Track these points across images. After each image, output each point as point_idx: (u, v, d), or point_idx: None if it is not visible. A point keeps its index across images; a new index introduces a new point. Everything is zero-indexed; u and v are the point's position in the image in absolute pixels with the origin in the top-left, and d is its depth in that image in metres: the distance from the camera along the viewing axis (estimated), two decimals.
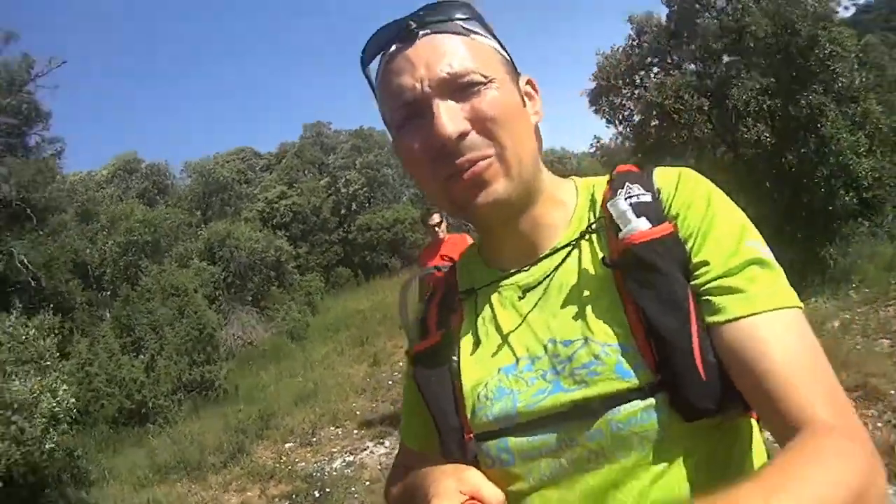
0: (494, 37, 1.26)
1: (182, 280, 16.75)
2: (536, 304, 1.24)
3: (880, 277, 10.46)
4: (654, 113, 15.25)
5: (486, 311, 1.31)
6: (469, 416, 1.24)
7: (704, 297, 1.08)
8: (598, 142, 19.39)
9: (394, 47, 1.21)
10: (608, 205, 1.18)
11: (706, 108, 14.57)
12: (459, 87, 1.16)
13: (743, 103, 13.84)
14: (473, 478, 1.10)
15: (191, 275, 18.29)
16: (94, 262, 18.32)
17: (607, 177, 1.31)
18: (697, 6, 15.01)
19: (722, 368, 1.04)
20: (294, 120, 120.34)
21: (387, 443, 9.46)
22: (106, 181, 27.61)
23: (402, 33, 1.19)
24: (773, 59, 13.75)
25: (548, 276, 1.24)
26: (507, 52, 1.27)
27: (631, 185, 1.21)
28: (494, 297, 1.30)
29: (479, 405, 1.22)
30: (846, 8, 24.70)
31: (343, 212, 37.49)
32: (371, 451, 9.17)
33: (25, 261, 15.21)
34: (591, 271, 1.19)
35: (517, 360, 1.22)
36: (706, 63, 15.45)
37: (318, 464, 9.32)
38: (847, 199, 13.07)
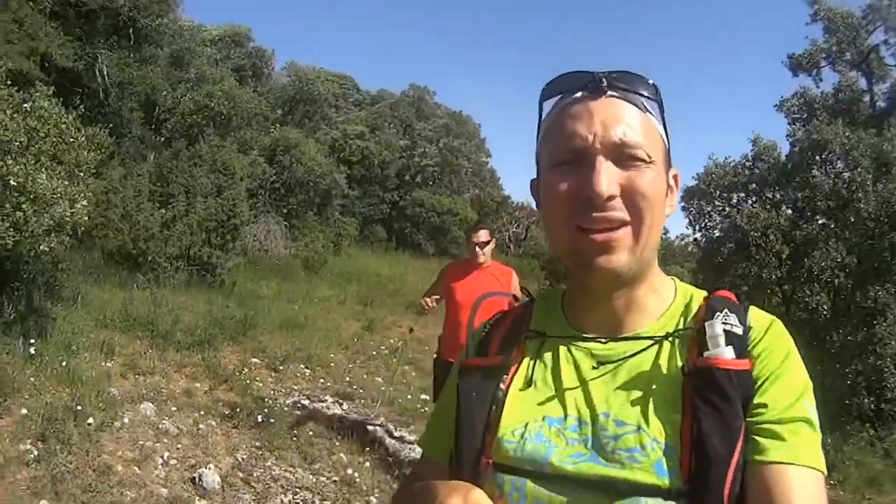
0: (664, 123, 1.35)
1: (235, 163, 16.77)
2: (603, 377, 1.30)
3: (859, 487, 10.41)
4: (735, 238, 15.12)
5: (550, 359, 1.37)
6: (495, 444, 1.30)
7: (754, 435, 1.16)
8: (665, 234, 19.32)
9: (579, 94, 1.30)
10: (706, 323, 1.25)
11: (784, 256, 14.41)
12: (624, 157, 1.24)
13: (819, 269, 13.71)
14: (479, 499, 1.12)
15: (245, 163, 18.31)
16: (164, 106, 18.36)
17: (704, 292, 1.38)
18: (818, 158, 14.85)
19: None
20: (405, 73, 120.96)
21: (345, 405, 9.43)
22: (211, 41, 27.69)
23: (591, 85, 1.29)
24: (864, 241, 13.59)
25: (625, 357, 1.30)
26: (668, 140, 1.36)
27: (729, 314, 1.27)
28: (562, 351, 1.37)
29: (511, 440, 1.28)
30: None
31: (407, 178, 37.59)
32: (327, 406, 9.14)
33: (105, 72, 15.29)
34: (665, 371, 1.27)
35: (565, 416, 1.28)
36: (802, 215, 15.29)
37: (274, 392, 9.33)
38: (866, 401, 12.96)
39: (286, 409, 8.73)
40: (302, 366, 10.88)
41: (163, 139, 18.33)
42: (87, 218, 8.12)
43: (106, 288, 11.90)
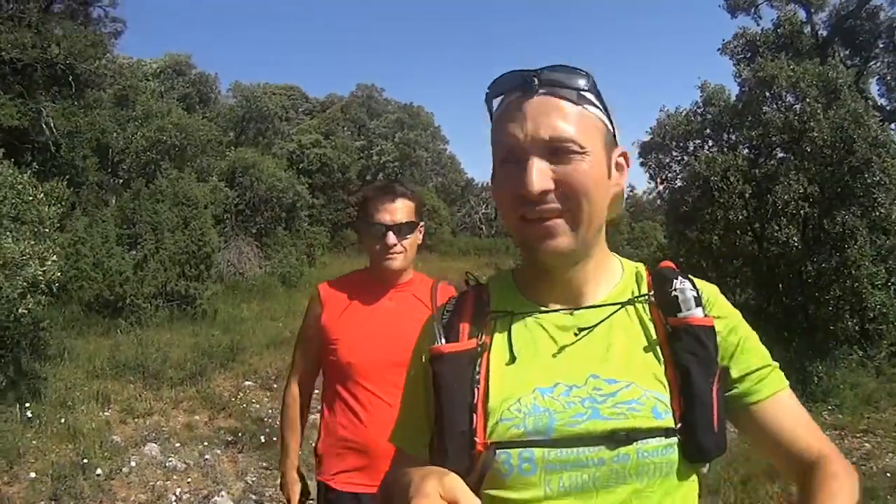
0: (605, 108, 1.44)
1: (196, 193, 16.74)
2: (579, 343, 1.44)
3: (856, 408, 10.54)
4: (697, 184, 15.26)
5: (523, 334, 1.47)
6: (490, 425, 1.37)
7: (744, 384, 1.47)
8: (631, 191, 19.40)
9: (514, 95, 1.40)
10: (678, 288, 1.48)
11: (748, 195, 14.57)
12: (555, 151, 1.35)
13: (783, 202, 13.87)
14: (454, 484, 1.13)
15: (206, 190, 18.29)
16: (117, 148, 18.24)
17: (642, 265, 1.61)
18: (768, 95, 15.00)
19: (722, 425, 1.40)
20: (350, 74, 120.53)
21: None
22: (153, 75, 27.55)
23: (524, 85, 1.39)
24: (823, 169, 13.75)
25: (598, 322, 1.45)
26: (612, 123, 1.46)
27: (683, 280, 1.50)
28: (532, 325, 1.48)
29: (508, 416, 1.36)
30: None
31: (368, 177, 37.62)
32: None
33: (52, 124, 15.21)
34: (640, 332, 1.46)
35: (555, 384, 1.39)
36: (760, 152, 15.45)
37: (273, 411, 9.36)
38: (850, 323, 13.20)
39: None
40: None
41: (121, 181, 18.25)
42: (59, 274, 8.11)
43: (90, 338, 11.88)
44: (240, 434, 8.36)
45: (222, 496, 6.82)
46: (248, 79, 47.50)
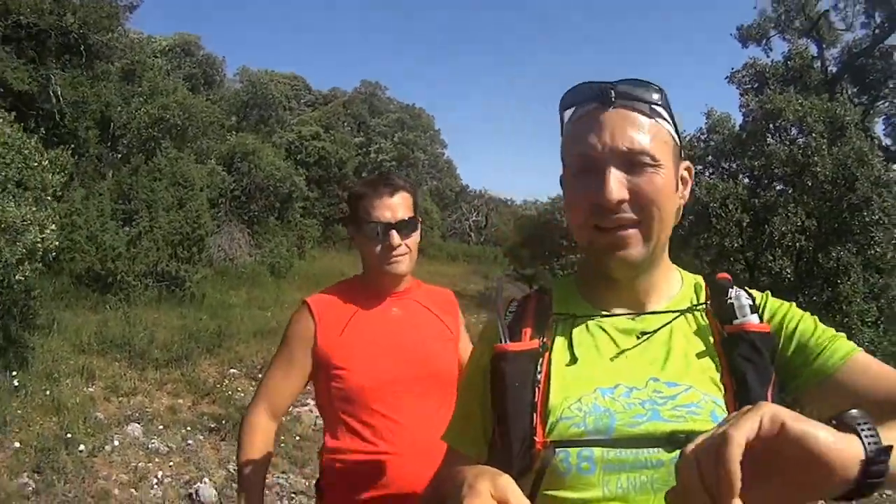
0: (674, 121, 1.48)
1: (194, 174, 16.68)
2: (640, 346, 1.47)
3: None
4: (696, 209, 15.34)
5: (585, 336, 1.50)
6: (550, 423, 1.38)
7: (812, 364, 1.42)
8: None
9: (591, 105, 1.44)
10: (733, 297, 1.50)
11: (745, 224, 14.64)
12: (632, 163, 1.38)
13: (780, 234, 13.95)
14: (506, 484, 1.14)
15: (204, 173, 18.21)
16: (119, 122, 18.13)
17: (700, 276, 1.64)
18: (773, 127, 15.09)
19: None
20: (355, 70, 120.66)
21: None
22: (161, 52, 27.45)
23: (601, 97, 1.42)
24: (822, 204, 13.85)
25: (659, 328, 1.48)
26: (679, 137, 1.51)
27: (739, 290, 1.52)
28: (594, 328, 1.51)
29: (568, 415, 1.37)
30: None
31: (364, 175, 37.50)
32: (311, 409, 9.17)
33: (59, 92, 15.15)
34: (698, 338, 1.48)
35: (616, 385, 1.40)
36: (760, 183, 15.54)
37: None
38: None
39: None
40: None
41: (120, 156, 18.12)
42: (56, 243, 8.07)
43: (79, 312, 11.83)
44: (223, 421, 8.32)
45: (205, 483, 6.78)
46: (254, 64, 47.44)
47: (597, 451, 1.33)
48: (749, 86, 19.79)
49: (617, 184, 1.36)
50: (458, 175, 48.80)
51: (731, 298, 1.50)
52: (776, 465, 0.99)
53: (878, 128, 23.25)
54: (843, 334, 1.47)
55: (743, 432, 0.95)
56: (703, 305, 1.53)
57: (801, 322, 1.48)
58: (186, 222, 15.23)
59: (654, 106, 1.44)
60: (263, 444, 2.61)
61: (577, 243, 1.52)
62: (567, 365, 1.45)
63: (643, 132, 1.40)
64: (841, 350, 1.42)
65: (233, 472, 7.18)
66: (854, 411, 1.01)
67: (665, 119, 1.46)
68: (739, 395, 1.38)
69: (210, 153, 20.88)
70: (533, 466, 1.36)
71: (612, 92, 1.41)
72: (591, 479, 1.33)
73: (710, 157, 16.61)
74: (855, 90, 22.07)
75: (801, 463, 0.96)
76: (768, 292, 1.57)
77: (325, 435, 2.68)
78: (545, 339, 1.49)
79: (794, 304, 1.54)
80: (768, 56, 21.50)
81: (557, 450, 1.34)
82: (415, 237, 2.73)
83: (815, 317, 1.51)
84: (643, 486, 1.32)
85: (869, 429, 0.99)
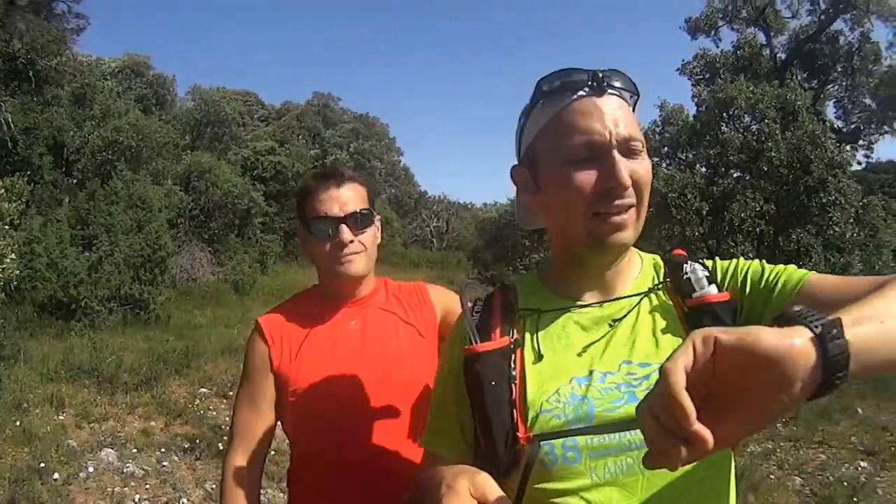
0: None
1: (151, 196, 16.54)
2: (608, 333, 1.49)
3: (811, 421, 10.71)
4: (655, 201, 15.47)
5: (554, 329, 1.51)
6: (530, 418, 1.39)
7: (767, 297, 1.43)
8: None
9: (583, 92, 1.44)
10: (689, 271, 1.52)
11: (704, 212, 14.78)
12: (629, 149, 1.42)
13: (739, 220, 14.11)
14: (485, 482, 1.18)
15: (161, 193, 18.07)
16: (73, 147, 17.96)
17: (658, 255, 1.67)
18: (726, 115, 15.27)
19: None
20: (306, 82, 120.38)
21: None
22: (111, 74, 27.26)
23: (594, 83, 1.44)
24: (779, 188, 14.03)
25: (627, 313, 1.50)
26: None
27: (693, 263, 1.55)
28: (562, 320, 1.52)
29: (548, 408, 1.39)
30: (859, 163, 25.27)
31: (371, 188, 37.51)
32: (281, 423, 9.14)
33: (10, 119, 14.97)
34: (662, 316, 1.51)
35: (590, 372, 1.43)
36: (717, 171, 15.71)
37: (229, 418, 9.24)
38: None
39: None
40: None
41: (75, 181, 17.95)
42: (17, 272, 7.97)
43: (44, 340, 11.68)
44: (197, 441, 8.24)
45: (183, 503, 6.72)
46: (205, 82, 47.16)
47: (580, 440, 1.35)
48: (700, 76, 20.07)
49: (625, 169, 1.39)
50: (416, 182, 48.88)
51: (687, 273, 1.53)
52: (732, 389, 0.96)
53: (830, 111, 23.74)
54: (792, 265, 1.51)
55: (678, 362, 0.95)
56: (663, 283, 1.57)
57: (751, 268, 1.52)
58: (147, 244, 15.08)
59: (631, 97, 1.50)
60: (245, 495, 2.30)
61: (565, 235, 1.52)
62: (539, 358, 1.47)
63: (632, 119, 1.45)
64: (795, 276, 1.44)
65: (210, 490, 7.13)
66: (794, 307, 1.00)
67: (633, 106, 1.51)
68: None
69: (166, 173, 20.74)
70: (519, 462, 1.37)
71: (604, 79, 1.44)
72: (578, 467, 1.35)
73: (665, 149, 16.76)
74: (805, 75, 22.47)
75: (755, 373, 0.93)
76: (717, 258, 1.61)
77: (289, 479, 2.45)
78: (515, 336, 1.50)
79: (741, 257, 1.58)
80: (718, 46, 21.86)
81: (542, 443, 1.36)
82: (370, 233, 2.39)
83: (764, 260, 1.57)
84: (630, 468, 1.34)
85: (810, 312, 0.97)
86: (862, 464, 9.17)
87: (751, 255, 14.05)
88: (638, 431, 1.25)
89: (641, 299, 1.53)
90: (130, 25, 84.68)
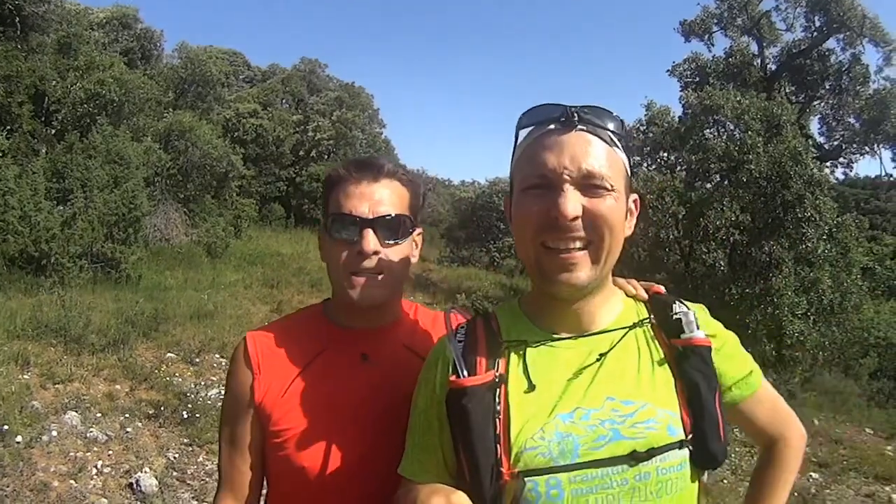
0: (627, 153, 1.52)
1: (130, 152, 16.35)
2: (593, 367, 1.49)
3: None
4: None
5: (539, 363, 1.50)
6: (514, 454, 1.40)
7: (736, 386, 1.65)
8: None
9: (552, 126, 1.46)
10: (681, 313, 1.57)
11: (681, 216, 14.87)
12: (588, 185, 1.41)
13: (714, 227, 14.21)
14: (461, 500, 1.22)
15: (140, 151, 17.85)
16: (54, 97, 17.72)
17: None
18: (711, 121, 15.34)
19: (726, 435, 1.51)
20: (295, 46, 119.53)
21: None
22: (98, 24, 26.86)
23: (563, 119, 1.45)
24: (757, 199, 14.13)
25: (613, 347, 1.51)
26: (630, 168, 1.54)
27: (681, 304, 1.61)
28: (546, 353, 1.52)
29: (533, 444, 1.39)
30: (837, 178, 25.49)
31: (302, 153, 37.26)
32: None
33: None
34: (647, 353, 1.54)
35: (574, 409, 1.44)
36: (697, 176, 15.79)
37: (195, 386, 9.24)
38: (767, 348, 13.65)
39: (209, 401, 8.62)
40: (217, 355, 10.76)
41: (54, 132, 17.72)
42: None
43: (11, 295, 11.56)
44: (161, 407, 8.21)
45: (145, 472, 6.71)
46: (193, 39, 46.64)
47: (563, 477, 1.36)
48: (690, 80, 20.12)
49: (573, 200, 1.39)
50: (397, 155, 48.62)
51: (677, 314, 1.57)
52: None
53: (814, 126, 23.92)
54: (755, 367, 1.71)
55: None
56: (647, 320, 1.60)
57: (733, 354, 1.66)
58: (122, 202, 14.91)
59: (612, 135, 1.47)
60: None
61: (527, 265, 1.54)
62: (525, 393, 1.46)
63: (602, 158, 1.43)
64: (753, 385, 1.68)
65: (173, 459, 7.14)
66: None
67: (621, 149, 1.49)
68: (692, 404, 1.48)
69: (146, 130, 20.47)
70: (502, 498, 1.38)
71: (576, 115, 1.44)
72: None
73: (647, 149, 16.83)
74: (792, 89, 22.64)
75: None
76: (702, 306, 1.67)
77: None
78: (500, 369, 1.49)
79: (720, 325, 1.67)
80: (710, 51, 21.92)
81: (526, 479, 1.37)
82: (404, 248, 1.89)
83: (737, 338, 1.70)
84: None
85: None
86: (814, 475, 9.39)
87: (723, 263, 14.25)
88: (621, 468, 1.37)
89: (626, 334, 1.55)
90: None
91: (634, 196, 1.57)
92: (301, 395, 1.84)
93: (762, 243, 13.98)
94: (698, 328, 1.56)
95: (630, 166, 1.54)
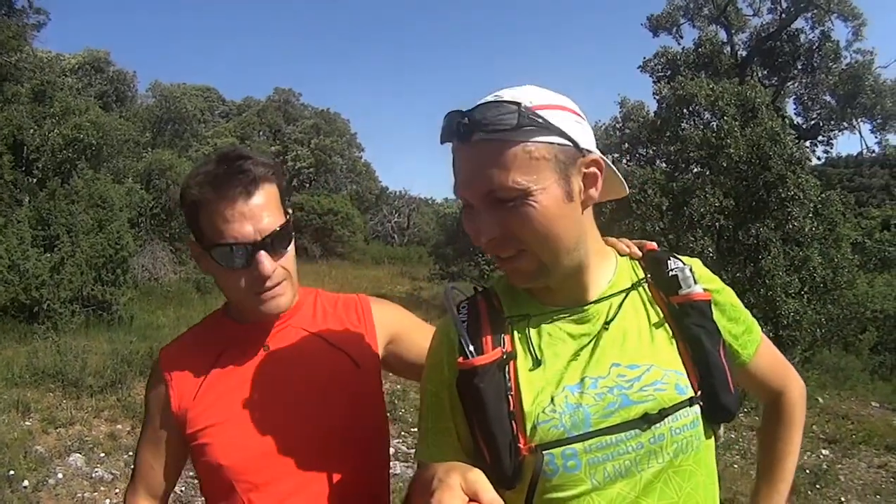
0: (551, 127, 1.37)
1: (112, 194, 16.31)
2: (597, 335, 1.51)
3: None
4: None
5: (543, 336, 1.52)
6: (528, 428, 1.42)
7: (734, 343, 1.68)
8: None
9: (454, 142, 1.41)
10: (677, 269, 1.58)
11: (664, 207, 14.91)
12: (498, 200, 1.36)
13: (699, 215, 14.24)
14: (477, 478, 1.20)
15: (122, 192, 17.82)
16: (33, 145, 17.69)
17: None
18: (686, 112, 15.42)
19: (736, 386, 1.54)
20: (267, 78, 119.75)
21: None
22: (71, 70, 26.92)
23: (458, 133, 1.37)
24: (739, 184, 14.18)
25: (613, 316, 1.53)
26: (568, 137, 1.39)
27: (676, 260, 1.61)
28: (549, 326, 1.53)
29: (546, 418, 1.41)
30: (818, 158, 25.68)
31: (283, 184, 37.33)
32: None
33: None
34: (647, 313, 1.56)
35: (582, 379, 1.45)
36: (677, 166, 15.86)
37: None
38: (763, 330, 13.66)
39: None
40: None
41: (35, 180, 17.69)
42: None
43: (7, 344, 11.55)
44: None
45: None
46: (165, 78, 46.69)
47: (579, 447, 1.38)
48: (662, 73, 20.27)
49: (485, 225, 1.38)
50: (377, 177, 48.78)
51: (673, 270, 1.59)
52: None
53: (790, 107, 24.13)
54: (753, 322, 1.75)
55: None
56: (644, 280, 1.62)
57: (731, 305, 1.69)
58: (108, 244, 14.83)
59: (515, 129, 1.33)
60: None
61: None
62: (532, 368, 1.47)
63: (504, 166, 1.33)
64: (754, 342, 1.74)
65: (179, 493, 7.11)
66: None
67: (535, 132, 1.35)
68: (698, 360, 1.50)
69: (127, 171, 20.39)
70: (522, 473, 1.39)
71: (467, 124, 1.34)
72: (578, 474, 1.38)
73: (626, 145, 16.91)
74: (765, 72, 22.90)
75: None
76: (697, 260, 1.68)
77: None
78: (506, 346, 1.49)
79: (717, 278, 1.68)
80: (679, 44, 22.11)
81: (542, 453, 1.37)
82: (291, 252, 1.86)
83: (734, 293, 1.72)
84: (628, 470, 1.39)
85: None
86: (824, 452, 9.41)
87: (710, 250, 14.28)
88: (635, 432, 1.39)
89: (625, 297, 1.56)
90: (90, 19, 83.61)
91: (590, 158, 1.43)
92: (211, 394, 1.86)
93: (748, 226, 14.00)
94: (696, 283, 1.57)
95: (562, 135, 1.38)
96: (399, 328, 2.09)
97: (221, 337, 1.93)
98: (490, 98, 1.38)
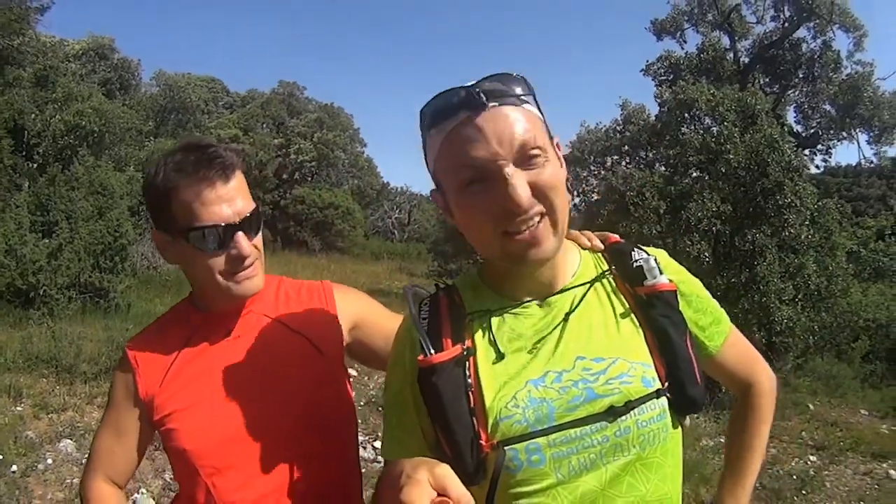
0: (537, 103, 1.48)
1: (113, 182, 16.32)
2: (559, 328, 1.52)
3: None
4: (613, 199, 15.61)
5: (505, 331, 1.52)
6: (490, 424, 1.42)
7: (705, 334, 1.72)
8: None
9: (462, 114, 1.39)
10: (642, 259, 1.59)
11: (662, 211, 14.94)
12: (523, 159, 1.37)
13: (696, 219, 14.26)
14: (445, 472, 1.18)
15: (123, 180, 17.83)
16: (34, 130, 17.69)
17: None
18: (686, 116, 15.44)
19: (702, 377, 1.54)
20: (272, 70, 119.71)
21: None
22: (74, 56, 26.85)
23: (471, 102, 1.38)
24: (737, 189, 14.20)
25: (574, 307, 1.53)
26: (543, 114, 1.49)
27: (639, 251, 1.62)
28: (511, 320, 1.54)
29: (508, 413, 1.42)
30: (817, 167, 25.70)
31: (285, 176, 37.36)
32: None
33: None
34: (613, 305, 1.56)
35: (545, 373, 1.46)
36: (676, 170, 15.88)
37: None
38: (757, 336, 13.69)
39: None
40: None
41: (35, 165, 17.68)
42: None
43: (1, 329, 11.57)
44: (156, 432, 8.23)
45: (142, 493, 6.74)
46: (170, 67, 46.68)
47: (542, 441, 1.38)
48: (664, 77, 20.29)
49: (522, 186, 1.36)
50: (379, 173, 48.71)
51: (637, 261, 1.60)
52: None
53: (790, 115, 24.15)
54: (723, 311, 1.78)
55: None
56: (608, 271, 1.62)
57: (698, 296, 1.71)
58: (108, 232, 14.83)
59: (521, 96, 1.43)
60: None
61: (487, 254, 1.52)
62: (494, 363, 1.48)
63: (522, 126, 1.38)
64: (722, 333, 1.76)
65: (169, 481, 7.15)
66: None
67: (530, 102, 1.45)
68: (665, 352, 1.51)
69: (128, 160, 20.39)
70: (485, 469, 1.40)
71: (483, 94, 1.37)
72: (543, 469, 1.39)
73: (625, 147, 16.93)
74: (766, 80, 22.92)
75: None
76: (662, 251, 1.71)
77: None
78: (467, 342, 1.49)
79: (683, 268, 1.71)
80: (682, 48, 22.15)
81: (505, 448, 1.38)
82: (261, 236, 1.96)
83: (701, 284, 1.74)
84: (594, 463, 1.40)
85: None
86: (811, 458, 9.46)
87: (707, 255, 14.31)
88: (600, 426, 1.39)
89: (588, 289, 1.56)
90: (95, 6, 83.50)
91: (556, 137, 1.52)
92: (177, 381, 1.92)
93: (745, 232, 14.02)
94: (661, 273, 1.58)
95: (542, 112, 1.49)
96: (363, 314, 2.14)
97: (187, 326, 1.99)
98: (486, 75, 1.43)
